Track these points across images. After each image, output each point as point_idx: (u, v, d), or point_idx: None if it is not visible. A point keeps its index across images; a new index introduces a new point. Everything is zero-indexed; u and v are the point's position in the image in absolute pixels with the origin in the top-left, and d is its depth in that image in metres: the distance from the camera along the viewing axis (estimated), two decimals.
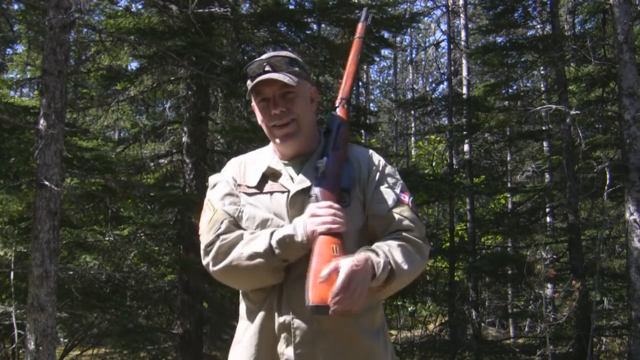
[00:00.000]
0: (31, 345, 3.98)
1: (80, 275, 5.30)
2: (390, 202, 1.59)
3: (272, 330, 1.54)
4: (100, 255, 5.92)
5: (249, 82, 1.62)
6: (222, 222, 1.58)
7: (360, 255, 1.45)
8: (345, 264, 1.40)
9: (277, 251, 1.49)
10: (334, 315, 1.39)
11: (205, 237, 1.60)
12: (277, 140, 1.62)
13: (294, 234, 1.49)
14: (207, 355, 6.20)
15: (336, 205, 1.49)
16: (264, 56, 1.62)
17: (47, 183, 4.02)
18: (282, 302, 1.53)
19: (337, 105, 1.69)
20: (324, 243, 1.46)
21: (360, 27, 1.78)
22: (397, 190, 1.62)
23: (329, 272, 1.40)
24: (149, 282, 6.49)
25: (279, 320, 1.53)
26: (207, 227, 1.60)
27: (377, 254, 1.47)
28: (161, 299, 6.61)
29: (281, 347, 1.53)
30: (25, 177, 5.07)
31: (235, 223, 1.59)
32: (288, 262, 1.52)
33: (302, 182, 1.59)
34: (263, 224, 1.57)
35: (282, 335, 1.52)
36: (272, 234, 1.51)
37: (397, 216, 1.58)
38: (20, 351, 5.82)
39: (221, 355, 6.24)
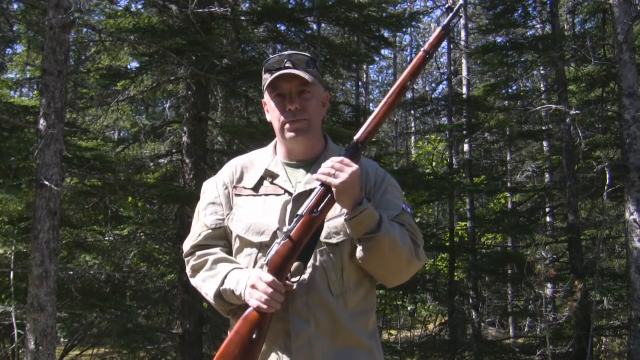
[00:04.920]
0: (31, 345, 3.98)
1: (80, 275, 5.29)
2: (396, 210, 1.61)
3: (271, 336, 1.54)
4: (100, 255, 5.92)
5: (266, 75, 1.62)
6: (199, 235, 1.66)
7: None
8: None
9: (224, 295, 1.57)
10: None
11: (186, 244, 1.70)
12: (289, 135, 1.61)
13: (238, 289, 1.53)
14: (207, 355, 6.20)
15: (278, 284, 1.46)
16: (284, 53, 1.64)
17: (47, 183, 4.02)
18: (282, 310, 1.53)
19: (349, 145, 1.58)
20: (245, 325, 1.48)
21: (434, 37, 1.59)
22: (401, 202, 1.65)
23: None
24: (149, 282, 6.49)
25: (278, 326, 1.53)
26: (190, 235, 1.70)
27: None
28: (161, 299, 6.61)
29: (280, 349, 1.54)
30: (25, 177, 5.07)
31: (212, 235, 1.66)
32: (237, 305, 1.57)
33: (309, 182, 1.59)
34: (247, 228, 1.60)
35: (281, 341, 1.53)
36: (224, 279, 1.56)
37: (402, 222, 1.60)
38: (20, 351, 5.82)
39: None
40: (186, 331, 5.77)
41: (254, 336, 1.47)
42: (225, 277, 1.55)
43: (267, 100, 1.66)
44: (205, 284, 1.60)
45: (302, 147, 1.64)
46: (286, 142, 1.65)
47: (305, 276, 1.53)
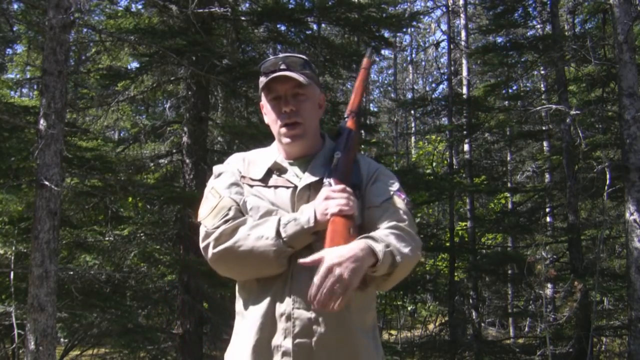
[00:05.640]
0: (31, 345, 3.98)
1: (80, 275, 5.29)
2: (385, 195, 1.62)
3: (272, 320, 1.53)
4: (100, 255, 5.92)
5: (262, 78, 1.64)
6: (229, 209, 1.57)
7: (355, 244, 1.44)
8: (329, 257, 1.39)
9: (284, 234, 1.50)
10: (318, 308, 1.40)
11: (210, 221, 1.57)
12: (285, 141, 1.64)
13: (302, 218, 1.52)
14: (207, 355, 6.20)
15: (349, 190, 1.53)
16: (279, 55, 1.66)
17: (47, 183, 4.02)
18: (285, 292, 1.53)
19: (345, 116, 1.73)
20: (339, 223, 1.48)
21: (365, 61, 1.87)
22: (393, 188, 1.65)
23: (311, 260, 1.41)
24: (149, 282, 6.49)
25: (279, 309, 1.53)
26: (213, 212, 1.58)
27: (376, 241, 1.47)
28: (161, 299, 6.61)
29: (279, 338, 1.52)
30: (25, 177, 5.07)
31: (241, 210, 1.59)
32: (294, 250, 1.51)
33: (309, 177, 1.61)
34: (268, 214, 1.58)
35: (281, 326, 1.52)
36: (280, 218, 1.53)
37: (391, 207, 1.60)
38: (20, 351, 5.82)
39: (221, 355, 6.22)
40: (186, 331, 5.77)
41: (351, 231, 1.48)
42: (280, 218, 1.53)
43: (264, 102, 1.68)
44: (256, 230, 1.51)
45: (299, 149, 1.66)
46: (283, 146, 1.67)
47: (309, 269, 1.51)
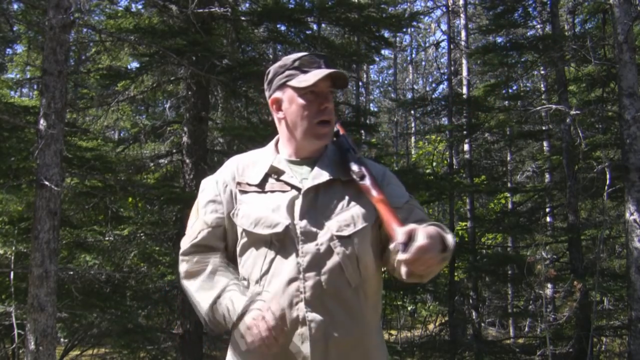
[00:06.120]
0: (31, 345, 3.98)
1: (80, 275, 5.30)
2: (405, 197, 1.65)
3: (291, 326, 1.52)
4: (100, 255, 5.92)
5: (294, 72, 1.61)
6: (199, 232, 1.64)
7: (433, 228, 1.44)
8: (422, 235, 1.36)
9: (214, 312, 1.55)
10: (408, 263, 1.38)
11: (184, 242, 1.68)
12: (318, 137, 1.62)
13: (232, 309, 1.52)
14: (207, 355, 6.20)
15: (278, 330, 1.47)
16: (312, 53, 1.66)
17: (47, 183, 4.02)
18: (296, 296, 1.52)
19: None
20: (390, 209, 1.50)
21: None
22: (404, 190, 1.69)
23: (406, 234, 1.38)
24: (149, 282, 6.49)
25: (293, 315, 1.51)
26: (188, 232, 1.68)
27: (445, 231, 1.48)
28: (161, 299, 6.61)
29: (296, 344, 1.51)
30: (25, 177, 5.07)
31: (213, 233, 1.64)
32: (226, 326, 1.55)
33: (317, 177, 1.60)
34: (256, 222, 1.57)
35: (297, 332, 1.51)
36: (217, 297, 1.55)
37: (415, 208, 1.64)
38: (20, 351, 5.82)
39: (221, 355, 6.24)
40: (186, 331, 5.77)
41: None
42: (218, 297, 1.56)
43: (290, 97, 1.62)
44: (200, 296, 1.60)
45: (318, 147, 1.65)
46: (304, 141, 1.64)
47: (322, 269, 1.52)
